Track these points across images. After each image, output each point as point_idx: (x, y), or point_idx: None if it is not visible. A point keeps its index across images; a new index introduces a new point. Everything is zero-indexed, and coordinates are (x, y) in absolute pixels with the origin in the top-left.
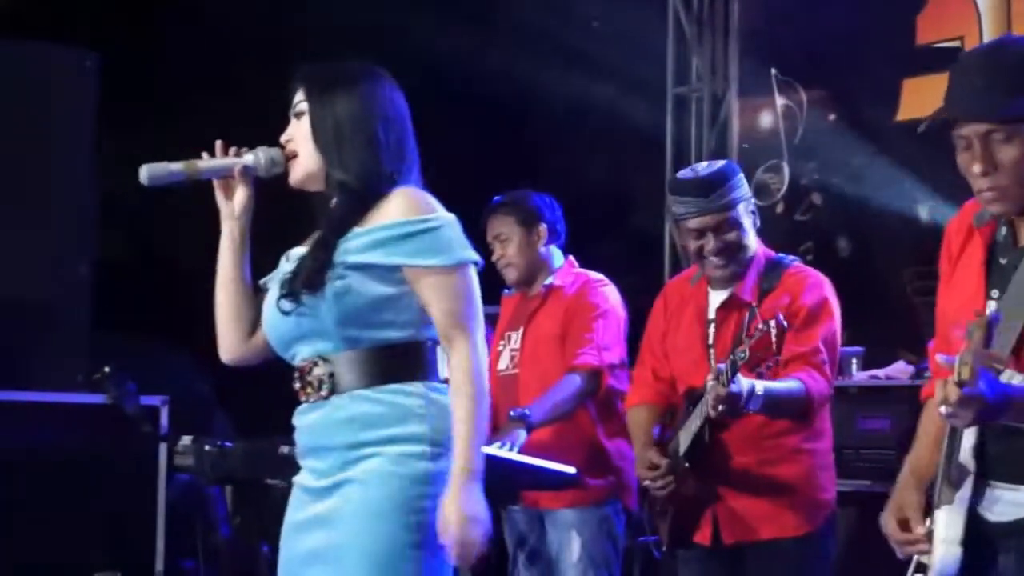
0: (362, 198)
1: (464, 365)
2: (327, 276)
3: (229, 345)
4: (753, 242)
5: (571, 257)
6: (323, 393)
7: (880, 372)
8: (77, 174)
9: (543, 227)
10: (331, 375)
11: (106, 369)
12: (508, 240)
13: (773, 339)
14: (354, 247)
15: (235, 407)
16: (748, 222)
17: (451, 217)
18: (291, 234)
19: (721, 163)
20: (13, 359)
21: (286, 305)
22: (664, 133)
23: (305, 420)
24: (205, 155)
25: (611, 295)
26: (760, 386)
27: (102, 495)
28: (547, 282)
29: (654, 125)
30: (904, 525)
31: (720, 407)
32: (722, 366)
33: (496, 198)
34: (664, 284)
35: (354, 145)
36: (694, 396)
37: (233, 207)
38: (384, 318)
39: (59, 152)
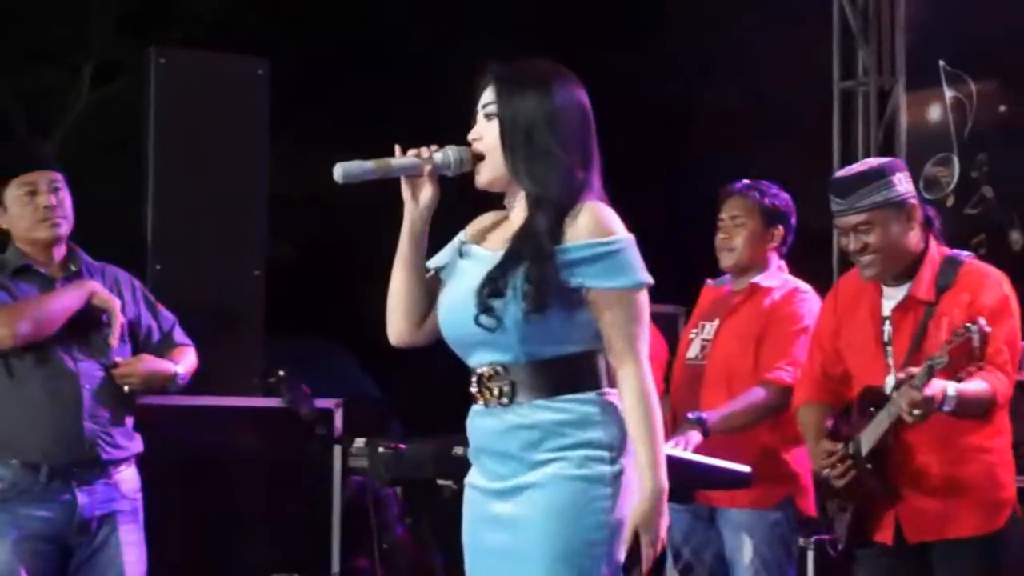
0: (558, 213)
1: (636, 385)
2: (551, 299)
3: (399, 330)
4: (914, 241)
5: (782, 262)
6: (503, 401)
7: None
8: (250, 179)
9: (780, 230)
10: (512, 384)
11: (281, 373)
12: (745, 225)
13: (976, 345)
14: None
15: (404, 409)
16: (903, 222)
17: (631, 238)
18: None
19: (877, 162)
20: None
21: (486, 321)
22: (831, 128)
23: (481, 423)
24: (397, 152)
25: (814, 308)
26: (952, 388)
27: (278, 497)
28: (754, 280)
29: (821, 120)
30: None
31: (915, 411)
32: (916, 369)
33: (738, 182)
34: (833, 281)
35: (546, 153)
36: (873, 396)
37: (419, 204)
38: (564, 334)
39: (233, 158)
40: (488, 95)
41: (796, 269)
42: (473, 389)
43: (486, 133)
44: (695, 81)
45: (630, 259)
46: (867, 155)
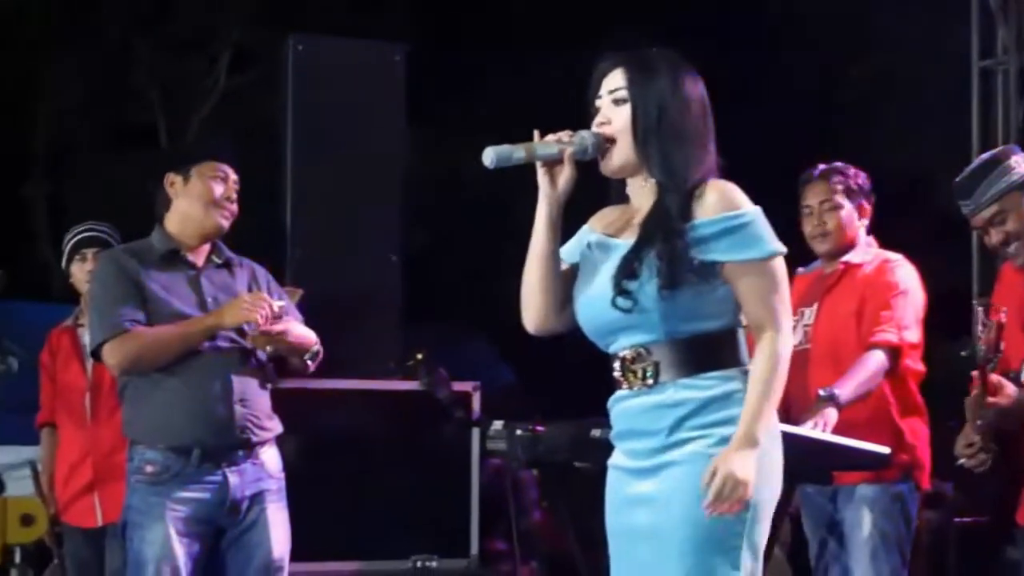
0: (686, 194)
1: (770, 350)
2: (685, 277)
3: (535, 317)
4: None
5: (871, 236)
6: (648, 382)
7: None
8: (387, 165)
9: (865, 206)
10: (656, 364)
11: (419, 356)
12: (834, 208)
13: None
14: None
15: (541, 392)
16: None
17: (758, 210)
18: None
19: (990, 153)
20: (330, 348)
21: (622, 303)
22: (970, 108)
23: (625, 405)
24: (536, 138)
25: (910, 274)
26: None
27: (417, 480)
28: (845, 258)
29: (959, 100)
30: None
31: None
32: None
33: (815, 168)
34: (972, 264)
35: (676, 136)
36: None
37: (557, 189)
38: (704, 310)
39: (369, 144)
40: (616, 80)
41: (930, 250)
42: (616, 374)
43: (615, 117)
44: (828, 61)
45: (760, 230)
46: (1007, 135)
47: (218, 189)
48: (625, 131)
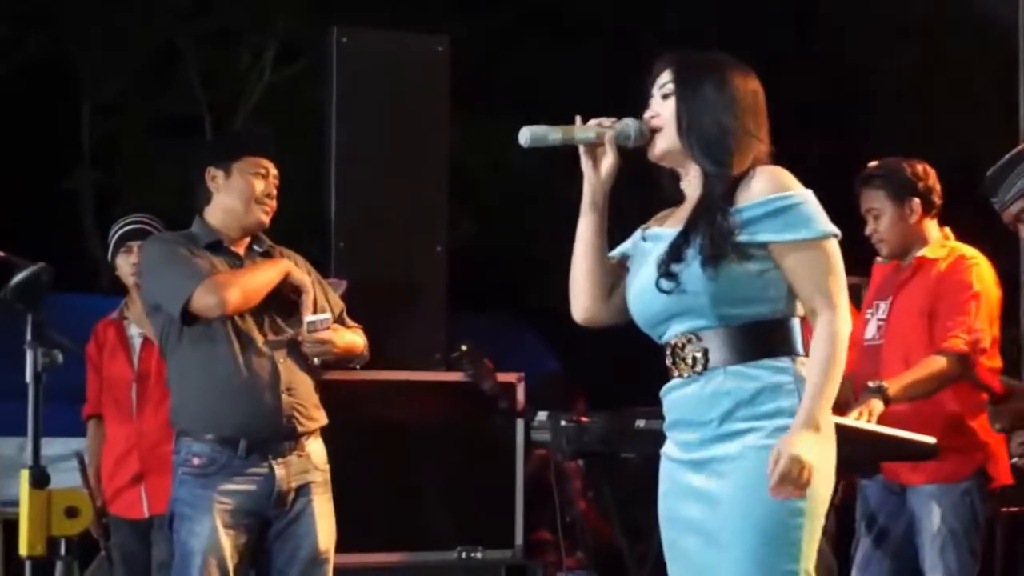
0: (733, 180)
1: (827, 332)
2: (726, 252)
3: (583, 307)
4: None
5: (946, 229)
6: (697, 369)
7: None
8: (431, 156)
9: (916, 201)
10: (705, 351)
11: (464, 347)
12: (880, 215)
13: None
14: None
15: (587, 383)
16: None
17: (809, 192)
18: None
19: (1015, 151)
20: (375, 339)
21: (665, 285)
22: (1017, 95)
23: (676, 395)
24: (577, 122)
25: (985, 273)
26: None
27: (461, 471)
28: (919, 254)
29: (1006, 88)
30: None
31: None
32: None
33: (869, 168)
34: (1018, 252)
35: (717, 130)
36: None
37: (600, 173)
38: (755, 295)
39: (414, 135)
40: (666, 77)
41: (979, 237)
42: (668, 362)
43: (662, 111)
44: (873, 48)
45: (810, 211)
46: None
47: (259, 186)
48: (670, 121)
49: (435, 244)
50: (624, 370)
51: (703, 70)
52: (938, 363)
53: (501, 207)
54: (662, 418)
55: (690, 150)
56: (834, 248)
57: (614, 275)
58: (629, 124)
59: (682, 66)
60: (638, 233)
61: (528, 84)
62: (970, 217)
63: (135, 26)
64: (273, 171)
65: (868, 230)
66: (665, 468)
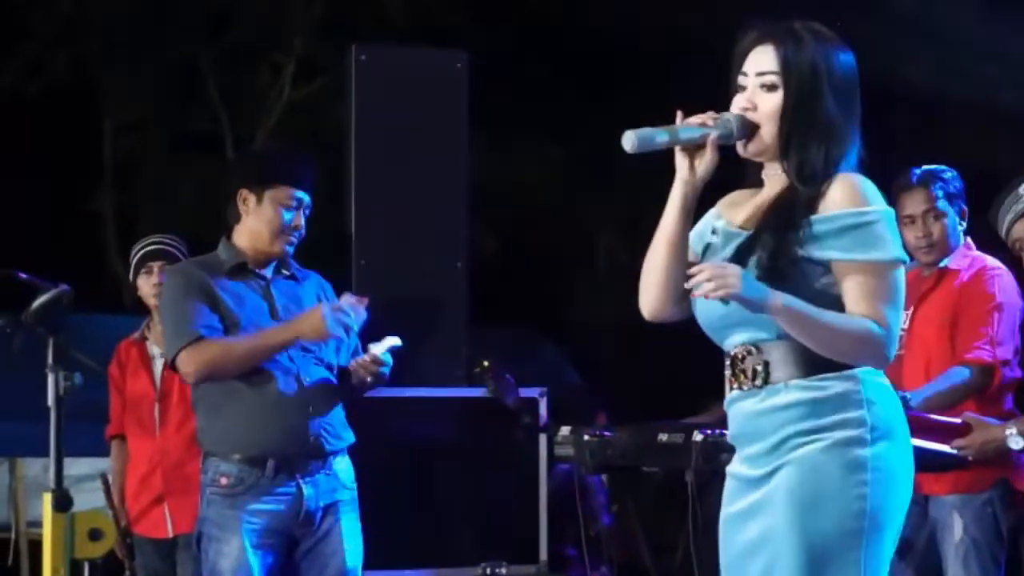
0: (817, 185)
1: (867, 326)
2: (792, 269)
3: (652, 303)
4: None
5: (968, 239)
6: (757, 383)
7: None
8: (451, 172)
9: (965, 210)
10: (765, 363)
11: (485, 363)
12: (939, 217)
13: None
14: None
15: (609, 397)
16: None
17: (888, 211)
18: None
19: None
20: (397, 356)
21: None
22: None
23: (738, 407)
24: (678, 120)
25: (1008, 284)
26: None
27: (485, 486)
28: (943, 264)
29: None
30: None
31: None
32: None
33: (916, 170)
34: None
35: (818, 131)
36: None
37: (697, 174)
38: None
39: (434, 152)
40: (766, 62)
41: (1000, 252)
42: (728, 373)
43: (761, 104)
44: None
45: (884, 232)
46: None
47: (287, 217)
48: (771, 119)
49: (455, 260)
50: (648, 384)
51: (810, 62)
52: (961, 375)
53: (523, 222)
54: (683, 432)
55: (786, 150)
56: (899, 274)
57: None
58: (731, 122)
59: (788, 51)
60: (710, 223)
61: (550, 100)
62: (989, 229)
63: (156, 46)
64: (306, 201)
65: (919, 232)
66: (729, 487)
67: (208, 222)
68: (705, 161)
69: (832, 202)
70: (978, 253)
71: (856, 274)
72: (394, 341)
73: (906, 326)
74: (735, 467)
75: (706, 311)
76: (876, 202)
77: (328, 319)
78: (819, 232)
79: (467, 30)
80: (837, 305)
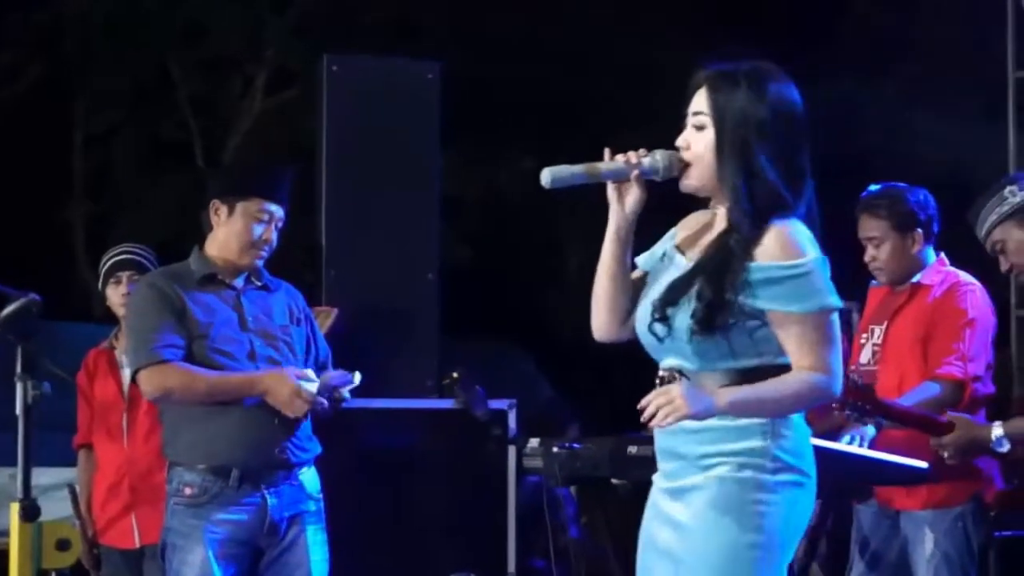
0: (753, 230)
1: (810, 378)
2: (719, 319)
3: (601, 326)
4: None
5: (942, 255)
6: None
7: None
8: (423, 183)
9: (919, 232)
10: None
11: (455, 374)
12: (882, 243)
13: None
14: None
15: (580, 409)
16: None
17: (819, 260)
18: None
19: (994, 183)
20: (367, 367)
21: (659, 329)
22: (1006, 120)
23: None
24: (606, 157)
25: (980, 300)
26: None
27: (453, 498)
28: (915, 279)
29: (993, 111)
30: None
31: None
32: None
33: (869, 191)
34: (1009, 276)
35: (749, 173)
36: None
37: (625, 208)
38: (743, 349)
39: (405, 162)
40: (699, 103)
41: (968, 264)
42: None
43: (694, 143)
44: (863, 73)
45: (816, 282)
46: None
47: (257, 231)
48: (702, 156)
49: (427, 271)
50: (617, 396)
51: (740, 107)
52: (932, 390)
53: (494, 233)
54: (652, 444)
55: (722, 185)
56: (832, 320)
57: (635, 298)
58: (659, 159)
59: (718, 92)
60: (663, 244)
61: (522, 112)
62: (965, 239)
63: (128, 55)
64: (279, 215)
65: (867, 257)
66: (651, 495)
67: (179, 231)
68: (631, 197)
69: (766, 252)
70: (951, 268)
71: (792, 325)
72: (355, 379)
73: (880, 341)
74: (657, 479)
75: (641, 332)
76: (809, 251)
77: (295, 403)
78: (754, 280)
79: (441, 38)
80: (769, 341)
